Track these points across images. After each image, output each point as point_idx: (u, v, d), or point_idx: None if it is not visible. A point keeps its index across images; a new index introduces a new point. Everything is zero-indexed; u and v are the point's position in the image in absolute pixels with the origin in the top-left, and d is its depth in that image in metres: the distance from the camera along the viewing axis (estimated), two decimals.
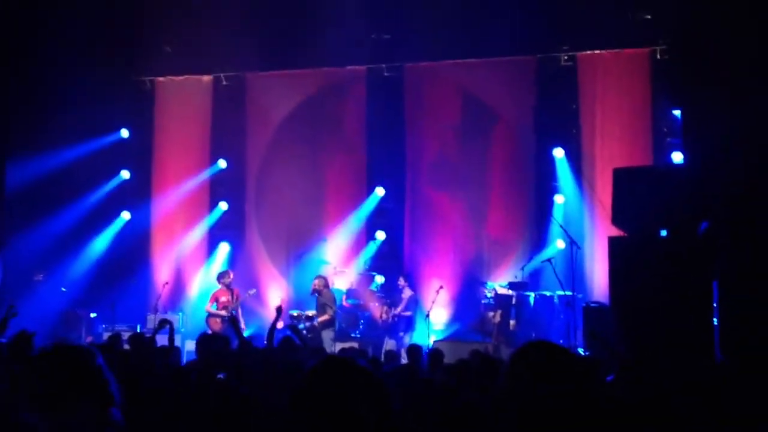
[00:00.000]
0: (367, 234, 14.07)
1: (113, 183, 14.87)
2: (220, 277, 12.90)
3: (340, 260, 13.87)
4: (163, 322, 8.04)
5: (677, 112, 11.95)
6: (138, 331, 12.16)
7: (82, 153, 14.21)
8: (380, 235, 13.94)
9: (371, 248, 13.93)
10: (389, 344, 12.07)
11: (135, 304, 13.42)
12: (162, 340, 8.86)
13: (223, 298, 12.62)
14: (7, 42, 12.66)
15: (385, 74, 14.11)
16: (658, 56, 12.73)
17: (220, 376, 5.74)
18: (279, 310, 8.99)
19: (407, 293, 12.52)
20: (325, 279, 12.63)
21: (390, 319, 12.44)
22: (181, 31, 13.86)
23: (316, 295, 12.40)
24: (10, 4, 12.42)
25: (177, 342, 11.38)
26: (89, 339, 12.89)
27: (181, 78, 15.05)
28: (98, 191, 14.69)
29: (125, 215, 14.82)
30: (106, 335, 12.45)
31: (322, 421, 1.88)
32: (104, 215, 14.65)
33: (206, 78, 14.96)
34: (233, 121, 14.76)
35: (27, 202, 13.56)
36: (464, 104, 13.85)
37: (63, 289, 13.81)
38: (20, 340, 7.28)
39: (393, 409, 1.94)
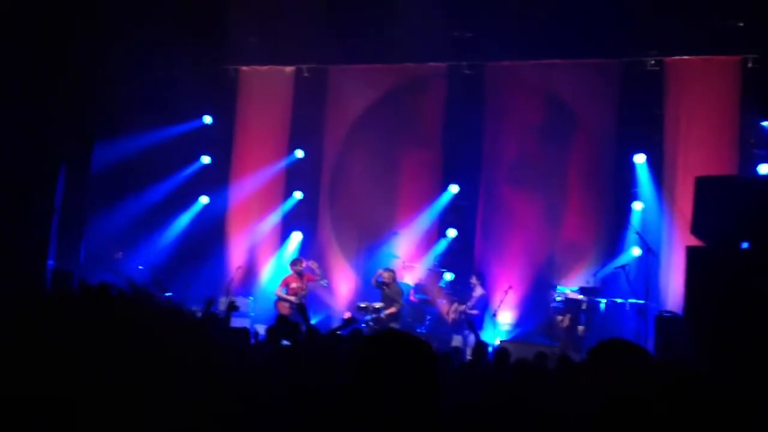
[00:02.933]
0: (439, 230, 14.07)
1: (194, 167, 15.26)
2: (293, 263, 13.14)
3: (410, 255, 13.91)
4: (234, 307, 8.29)
5: (766, 123, 11.59)
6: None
7: (166, 137, 14.62)
8: (452, 233, 13.91)
9: (442, 245, 13.92)
10: (456, 341, 12.05)
11: (209, 286, 13.72)
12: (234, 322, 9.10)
13: (293, 284, 12.86)
14: (99, 26, 13.09)
15: (466, 72, 14.06)
16: (750, 65, 12.33)
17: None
18: (348, 321, 9.06)
19: (478, 292, 12.47)
20: (393, 272, 12.71)
21: (457, 316, 12.42)
22: (267, 22, 14.10)
23: (384, 287, 12.48)
24: None
25: (246, 324, 11.67)
26: None
27: (264, 68, 15.33)
28: (179, 175, 15.09)
29: (203, 199, 15.19)
30: None
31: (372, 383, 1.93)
32: (183, 198, 15.04)
33: (288, 69, 15.19)
34: (313, 113, 14.95)
35: (111, 183, 14.02)
36: (545, 105, 13.69)
37: (140, 267, 14.24)
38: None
39: (437, 380, 1.98)
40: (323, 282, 13.24)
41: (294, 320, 9.65)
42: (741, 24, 12.16)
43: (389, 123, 14.37)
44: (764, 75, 11.71)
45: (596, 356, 2.47)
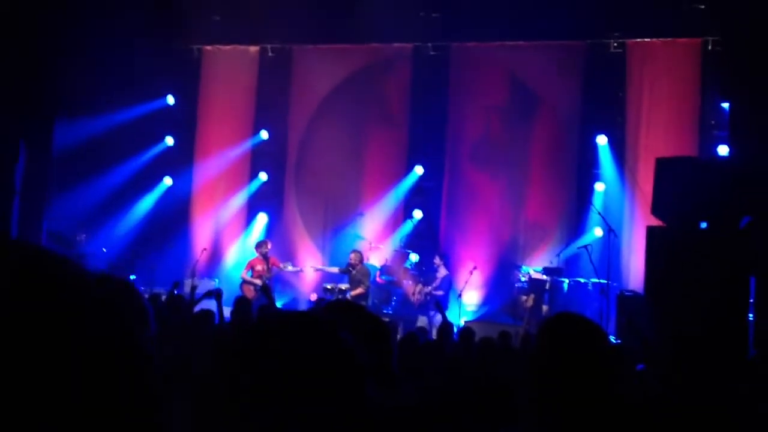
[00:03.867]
0: (405, 212, 14.12)
1: (157, 149, 15.08)
2: (258, 246, 13.10)
3: (375, 236, 13.95)
4: (213, 293, 8.24)
5: (725, 105, 11.77)
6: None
7: (129, 117, 14.43)
8: (417, 214, 13.98)
9: (407, 226, 13.98)
10: (421, 321, 12.14)
11: (173, 268, 13.63)
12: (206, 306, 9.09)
13: (258, 267, 12.82)
14: (59, 5, 12.85)
15: (432, 53, 14.06)
16: (710, 47, 12.51)
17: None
18: (318, 303, 9.01)
19: (442, 272, 12.57)
20: (360, 254, 12.75)
21: (422, 297, 12.52)
22: (231, 1, 13.95)
23: (350, 269, 12.53)
24: None
25: (212, 306, 11.62)
26: None
27: (228, 47, 15.17)
28: (142, 156, 14.91)
29: (167, 181, 15.05)
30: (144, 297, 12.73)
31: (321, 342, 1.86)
32: (147, 180, 14.88)
33: (253, 48, 15.05)
34: (277, 93, 14.86)
35: (73, 164, 13.82)
36: (509, 86, 13.77)
37: (104, 249, 14.10)
38: None
39: (392, 350, 1.95)
40: (288, 266, 13.21)
41: (259, 302, 9.66)
42: (702, 6, 12.31)
43: (354, 103, 14.34)
44: (725, 57, 11.86)
45: (548, 332, 2.52)
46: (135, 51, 13.39)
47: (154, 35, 13.56)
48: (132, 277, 13.90)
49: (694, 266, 8.30)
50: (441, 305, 10.20)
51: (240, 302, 7.50)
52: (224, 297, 13.39)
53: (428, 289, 12.49)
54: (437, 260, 12.72)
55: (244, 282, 12.79)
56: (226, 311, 9.49)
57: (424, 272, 13.06)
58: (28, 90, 12.66)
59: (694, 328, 8.03)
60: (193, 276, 12.67)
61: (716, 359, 7.34)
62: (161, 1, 13.51)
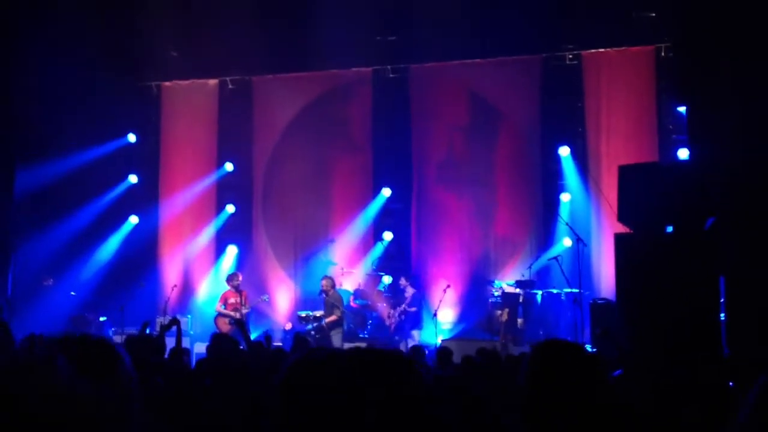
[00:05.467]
0: (374, 235, 14.12)
1: (121, 187, 14.96)
2: (230, 278, 13.00)
3: (347, 261, 13.92)
4: (172, 321, 8.07)
5: (682, 109, 11.96)
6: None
7: (90, 158, 14.30)
8: (387, 236, 13.98)
9: (378, 249, 13.98)
10: (401, 344, 12.10)
11: (144, 307, 13.45)
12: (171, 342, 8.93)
13: (231, 300, 12.72)
14: (13, 48, 12.74)
15: (391, 75, 14.16)
16: (663, 54, 12.76)
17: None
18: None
19: (410, 291, 12.62)
20: (332, 280, 12.70)
21: (397, 318, 12.50)
22: (187, 36, 13.93)
23: (324, 295, 12.48)
24: (16, 10, 12.50)
25: (186, 344, 11.48)
26: None
27: (187, 82, 15.14)
28: (106, 196, 14.77)
29: (133, 219, 14.90)
30: (116, 338, 12.55)
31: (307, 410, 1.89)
32: (112, 219, 14.73)
33: (212, 82, 15.04)
34: (240, 125, 14.83)
35: (36, 208, 13.65)
36: (470, 104, 13.90)
37: (72, 293, 13.89)
38: (31, 344, 7.28)
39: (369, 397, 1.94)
40: (263, 297, 13.17)
41: (232, 336, 9.54)
42: (652, 14, 12.55)
43: (318, 130, 14.37)
44: (678, 62, 12.06)
45: (536, 356, 2.55)
46: (93, 91, 13.31)
47: (111, 74, 13.48)
48: (102, 318, 13.73)
49: (663, 270, 8.36)
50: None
51: (217, 338, 7.40)
52: (197, 332, 13.35)
53: (401, 308, 12.50)
54: (402, 281, 12.78)
55: (219, 315, 12.69)
56: (201, 347, 9.39)
57: (396, 294, 13.06)
58: None
59: (666, 330, 8.08)
60: (164, 314, 12.53)
61: (691, 360, 7.39)
62: (117, 40, 13.44)
